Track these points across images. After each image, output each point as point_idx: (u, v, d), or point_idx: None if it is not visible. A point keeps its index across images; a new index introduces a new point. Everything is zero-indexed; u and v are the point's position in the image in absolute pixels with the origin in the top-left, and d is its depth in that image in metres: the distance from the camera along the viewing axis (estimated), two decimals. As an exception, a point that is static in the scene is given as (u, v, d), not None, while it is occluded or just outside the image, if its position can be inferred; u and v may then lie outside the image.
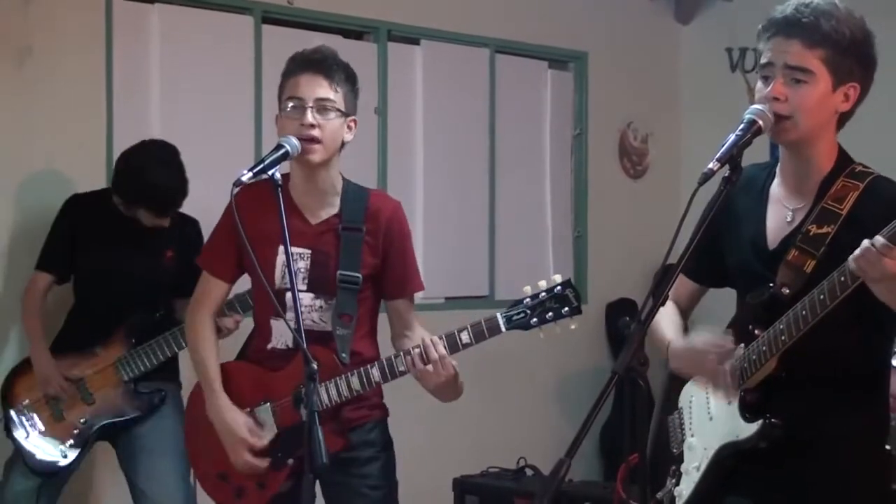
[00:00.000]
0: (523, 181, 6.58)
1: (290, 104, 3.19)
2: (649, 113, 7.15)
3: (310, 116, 3.15)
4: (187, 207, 4.38)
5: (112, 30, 4.98)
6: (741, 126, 2.51)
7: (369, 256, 3.26)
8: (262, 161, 3.02)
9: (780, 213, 2.69)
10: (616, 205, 6.97)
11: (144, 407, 4.28)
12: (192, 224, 4.44)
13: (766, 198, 2.73)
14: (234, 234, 3.12)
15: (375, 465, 3.31)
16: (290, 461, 3.24)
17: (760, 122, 2.51)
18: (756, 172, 2.78)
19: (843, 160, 2.66)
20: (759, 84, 2.63)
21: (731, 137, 2.47)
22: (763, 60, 2.62)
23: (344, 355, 3.19)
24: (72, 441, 4.23)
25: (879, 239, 2.31)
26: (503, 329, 3.03)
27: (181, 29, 5.21)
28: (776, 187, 2.73)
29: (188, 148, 5.12)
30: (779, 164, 2.75)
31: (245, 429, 3.27)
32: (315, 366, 2.73)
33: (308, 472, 2.68)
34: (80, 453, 4.25)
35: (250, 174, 2.97)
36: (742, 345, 2.66)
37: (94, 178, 4.63)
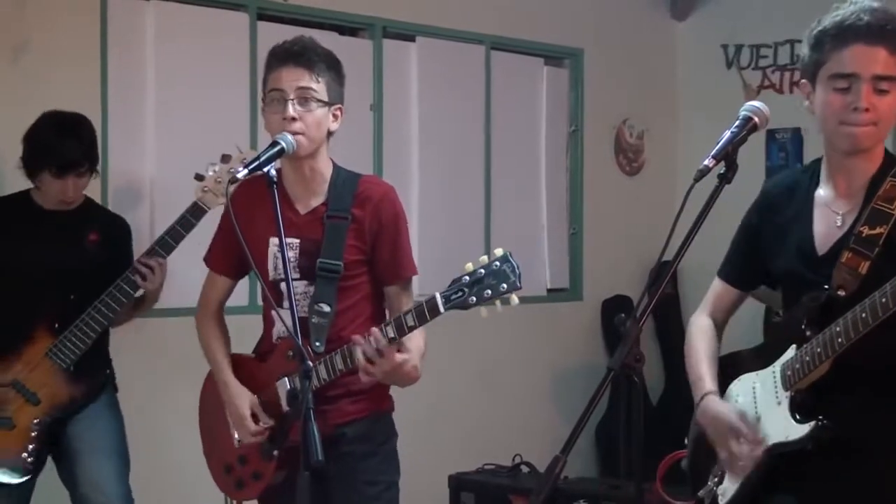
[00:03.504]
0: (519, 178, 6.58)
1: (271, 97, 3.19)
2: (645, 110, 7.16)
3: (291, 109, 3.14)
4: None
5: (107, 26, 4.97)
6: (737, 123, 2.51)
7: (356, 242, 3.25)
8: (258, 158, 3.03)
9: (829, 217, 2.68)
10: (612, 201, 6.97)
11: (92, 388, 4.17)
12: (120, 223, 4.39)
13: (811, 203, 2.72)
14: (232, 230, 3.13)
15: (373, 460, 3.30)
16: (276, 452, 3.26)
17: (756, 119, 2.51)
18: (798, 177, 2.77)
19: (889, 159, 2.66)
20: (830, 94, 2.59)
21: (727, 134, 2.48)
22: (840, 70, 2.57)
23: (318, 343, 3.17)
24: (32, 445, 4.07)
25: None
26: (441, 309, 2.97)
27: (176, 25, 5.20)
28: (822, 191, 2.72)
29: (183, 144, 5.14)
30: (824, 169, 2.73)
31: (247, 408, 3.30)
32: (310, 363, 2.73)
33: (303, 469, 2.68)
34: (41, 454, 4.12)
35: (246, 171, 2.98)
36: (794, 346, 2.66)
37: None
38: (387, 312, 3.37)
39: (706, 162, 2.40)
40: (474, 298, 2.92)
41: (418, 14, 6.04)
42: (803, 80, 2.70)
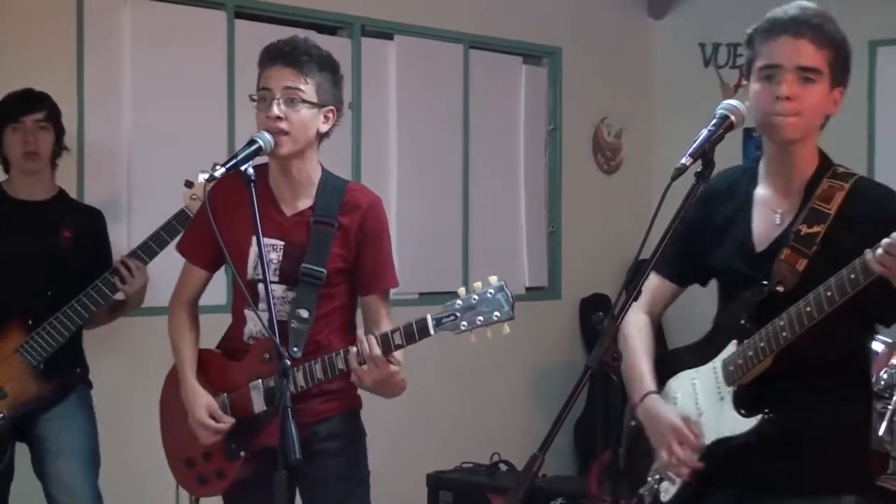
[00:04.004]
0: (497, 176, 6.58)
1: (261, 95, 3.18)
2: (623, 108, 7.17)
3: (275, 108, 3.13)
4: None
5: (83, 25, 4.94)
6: (714, 121, 2.52)
7: (341, 250, 3.24)
8: (236, 156, 3.01)
9: (767, 215, 2.73)
10: (590, 200, 6.98)
11: (62, 386, 4.15)
12: (95, 214, 4.37)
13: (750, 201, 2.77)
14: (207, 223, 3.08)
15: (343, 457, 3.30)
16: (243, 454, 3.25)
17: (733, 118, 2.52)
18: (738, 175, 2.81)
19: (825, 161, 2.72)
20: (757, 85, 2.66)
21: (704, 133, 2.49)
22: (767, 62, 2.65)
23: (296, 349, 3.17)
24: None
25: None
26: (432, 332, 2.98)
27: (153, 24, 5.18)
28: (761, 190, 2.77)
29: (161, 142, 5.12)
30: (762, 168, 2.78)
31: (204, 410, 3.27)
32: (288, 362, 2.73)
33: (281, 468, 2.68)
34: (4, 447, 4.10)
35: (223, 169, 2.97)
36: (734, 342, 2.69)
37: (66, 170, 4.59)
38: (360, 322, 3.37)
39: (683, 160, 2.41)
40: (465, 324, 2.94)
41: (397, 13, 6.04)
42: (745, 81, 2.77)
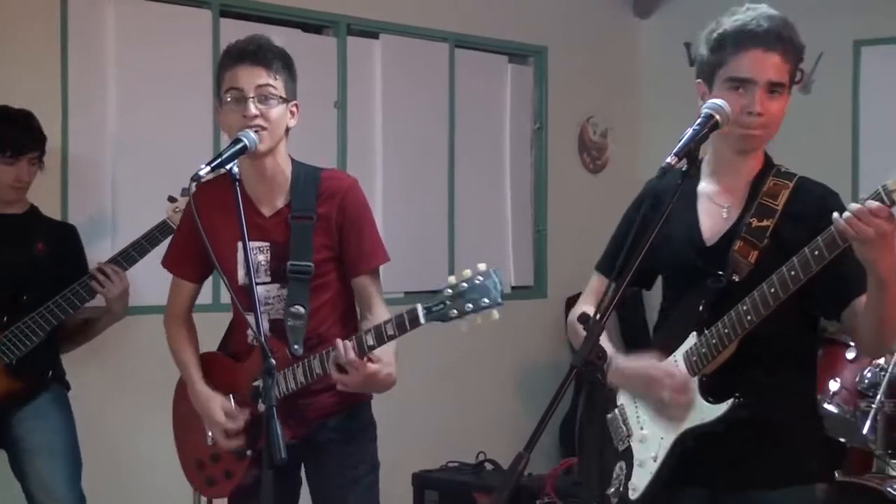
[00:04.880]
0: (483, 175, 6.58)
1: (229, 96, 3.18)
2: (609, 107, 7.18)
3: (252, 108, 3.14)
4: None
5: (67, 23, 4.92)
6: (699, 121, 2.55)
7: (324, 239, 3.25)
8: (220, 155, 3.00)
9: (714, 210, 2.80)
10: (576, 199, 6.99)
11: (34, 385, 4.15)
12: (68, 229, 4.40)
13: (694, 197, 2.83)
14: (194, 234, 3.12)
15: (352, 445, 3.33)
16: (250, 452, 3.26)
17: (718, 117, 2.55)
18: (676, 174, 2.81)
19: (769, 161, 2.81)
20: (725, 94, 2.67)
21: (689, 132, 2.51)
22: (737, 74, 2.68)
23: (296, 347, 3.19)
24: None
25: (871, 202, 2.40)
26: (422, 321, 2.97)
27: (138, 22, 5.16)
28: (705, 185, 2.84)
29: (145, 141, 5.11)
30: (706, 165, 2.84)
31: (220, 412, 3.29)
32: (273, 361, 2.73)
33: (267, 467, 2.68)
34: None
35: (208, 168, 2.95)
36: (694, 333, 2.72)
37: (50, 171, 4.58)
38: (357, 309, 3.37)
39: (668, 159, 2.44)
40: (455, 311, 2.93)
41: (382, 11, 6.03)
42: (699, 80, 2.80)
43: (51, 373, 4.24)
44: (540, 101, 6.85)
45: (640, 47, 7.38)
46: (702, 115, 2.55)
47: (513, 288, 6.75)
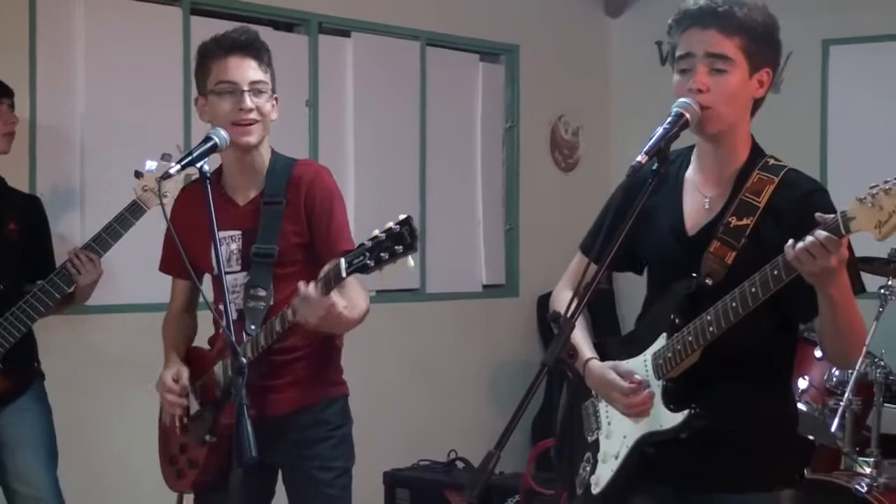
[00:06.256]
0: (454, 174, 6.59)
1: (222, 87, 3.19)
2: (580, 106, 7.20)
3: (248, 101, 3.17)
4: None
5: (36, 21, 4.89)
6: (669, 119, 2.54)
7: (291, 225, 3.25)
8: (190, 154, 3.02)
9: (697, 198, 2.74)
10: (547, 198, 7.00)
11: (20, 382, 4.12)
12: (35, 202, 4.36)
13: (681, 185, 2.78)
14: (178, 233, 3.17)
15: (325, 444, 3.32)
16: (209, 437, 3.27)
17: (687, 116, 2.55)
18: (648, 170, 2.80)
19: (757, 152, 2.73)
20: (677, 77, 2.67)
21: (659, 130, 2.51)
22: (680, 52, 2.67)
23: (253, 327, 3.18)
24: None
25: (822, 233, 2.34)
26: (344, 274, 2.93)
27: (108, 19, 5.13)
28: (692, 174, 2.78)
29: (116, 140, 5.08)
30: (694, 152, 2.79)
31: (169, 375, 3.33)
32: (244, 360, 2.72)
33: (237, 466, 2.67)
34: None
35: (178, 167, 2.98)
36: (664, 335, 2.69)
37: (18, 171, 4.55)
38: None
39: (638, 158, 2.43)
40: (373, 262, 2.87)
41: (354, 9, 6.03)
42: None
43: (35, 364, 4.22)
44: (511, 99, 6.86)
45: (612, 46, 7.41)
46: (672, 114, 2.55)
47: (484, 286, 6.76)
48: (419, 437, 6.08)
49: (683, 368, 2.65)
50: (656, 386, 2.70)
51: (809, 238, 2.36)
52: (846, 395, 4.51)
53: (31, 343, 4.21)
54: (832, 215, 2.35)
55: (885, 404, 4.63)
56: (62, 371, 4.60)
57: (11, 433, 4.14)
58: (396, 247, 2.85)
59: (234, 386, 2.72)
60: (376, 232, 2.91)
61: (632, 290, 3.08)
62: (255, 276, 3.24)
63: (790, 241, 2.40)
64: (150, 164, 4.03)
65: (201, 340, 3.51)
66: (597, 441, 2.86)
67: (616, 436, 2.80)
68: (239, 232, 3.28)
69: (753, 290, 2.48)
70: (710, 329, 2.57)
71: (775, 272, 2.44)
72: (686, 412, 2.63)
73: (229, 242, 3.27)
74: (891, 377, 4.66)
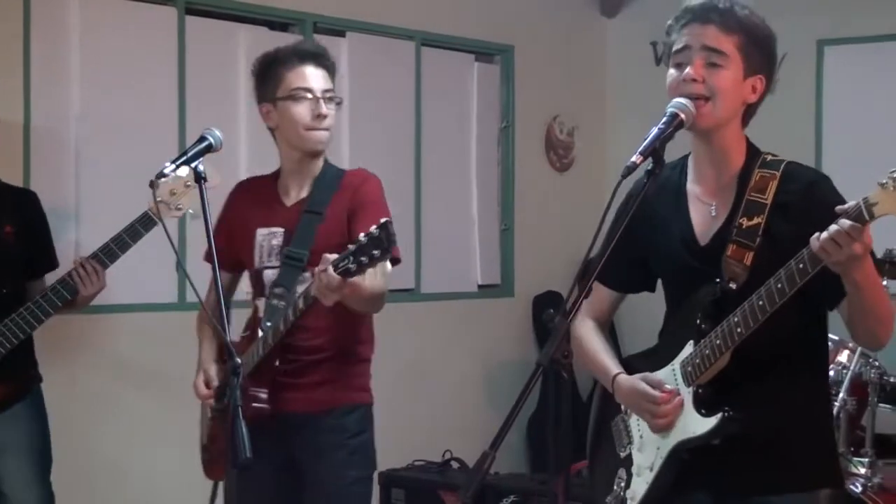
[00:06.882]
0: (449, 174, 6.59)
1: (300, 94, 3.33)
2: (575, 106, 7.20)
3: (324, 107, 3.35)
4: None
5: (30, 20, 4.88)
6: (664, 119, 2.53)
7: (332, 233, 3.32)
8: (185, 153, 3.03)
9: (703, 209, 2.73)
10: (542, 198, 7.00)
11: (18, 389, 4.10)
12: (30, 197, 4.30)
13: (685, 197, 2.77)
14: (222, 226, 3.41)
15: (342, 452, 3.37)
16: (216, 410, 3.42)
17: (682, 116, 2.54)
18: (668, 173, 2.78)
19: (753, 152, 2.72)
20: (672, 71, 2.68)
21: (654, 131, 2.49)
22: (677, 47, 2.68)
23: (268, 324, 3.26)
24: None
25: (846, 222, 2.34)
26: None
27: (102, 20, 5.12)
28: (691, 184, 2.77)
29: (111, 141, 5.07)
30: (691, 162, 2.78)
31: (201, 374, 3.47)
32: (238, 360, 2.73)
33: (231, 466, 2.67)
34: None
35: (173, 166, 3.00)
36: (691, 342, 2.67)
37: (11, 172, 4.54)
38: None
39: (633, 158, 2.42)
40: (354, 266, 2.94)
41: (349, 9, 6.02)
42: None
43: (33, 371, 4.20)
44: (506, 99, 6.86)
45: (607, 46, 7.40)
46: (667, 114, 2.54)
47: (479, 286, 6.76)
48: (414, 438, 6.07)
49: (713, 373, 2.64)
50: (686, 393, 2.68)
51: (834, 227, 2.36)
52: (841, 395, 4.51)
53: (29, 349, 4.17)
54: (854, 202, 2.35)
55: (880, 404, 4.63)
56: (61, 371, 4.60)
57: (6, 441, 4.11)
58: (374, 251, 2.93)
59: (229, 386, 2.72)
60: (361, 236, 2.96)
61: (631, 310, 3.06)
62: (281, 276, 3.35)
63: (815, 234, 2.39)
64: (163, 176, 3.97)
65: (235, 333, 3.52)
66: (630, 456, 2.84)
67: (649, 448, 2.77)
68: (282, 230, 3.40)
69: (780, 286, 2.47)
70: (738, 330, 2.55)
71: (801, 265, 2.44)
72: (719, 416, 2.61)
73: (272, 237, 3.40)
74: (885, 377, 4.66)
